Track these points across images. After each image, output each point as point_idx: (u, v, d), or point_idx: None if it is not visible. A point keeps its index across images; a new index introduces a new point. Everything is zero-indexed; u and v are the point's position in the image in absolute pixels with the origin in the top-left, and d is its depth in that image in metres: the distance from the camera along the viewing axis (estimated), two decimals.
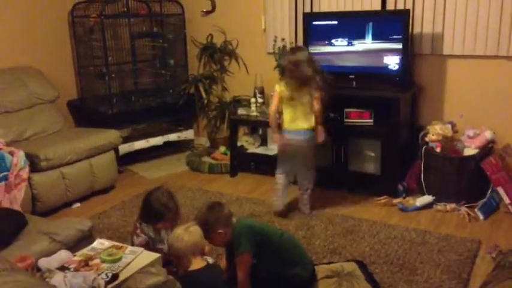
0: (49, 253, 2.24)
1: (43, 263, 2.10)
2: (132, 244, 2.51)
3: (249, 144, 4.57)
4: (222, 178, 4.39)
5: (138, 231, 2.61)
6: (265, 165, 4.44)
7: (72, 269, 2.05)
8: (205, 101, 4.86)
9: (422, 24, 3.82)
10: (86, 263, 2.11)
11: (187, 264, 2.29)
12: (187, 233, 2.30)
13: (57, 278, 1.92)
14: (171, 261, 2.55)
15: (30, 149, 3.57)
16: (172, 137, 4.89)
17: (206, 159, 4.72)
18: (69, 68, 4.75)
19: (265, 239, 2.48)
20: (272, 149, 4.39)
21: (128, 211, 3.68)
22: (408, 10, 3.70)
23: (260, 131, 4.65)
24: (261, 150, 4.49)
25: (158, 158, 4.89)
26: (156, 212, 2.58)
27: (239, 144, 4.58)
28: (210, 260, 2.69)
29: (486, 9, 3.59)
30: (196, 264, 2.29)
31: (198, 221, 2.46)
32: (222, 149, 4.80)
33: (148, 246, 2.51)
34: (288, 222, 3.42)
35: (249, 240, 2.40)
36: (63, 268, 2.07)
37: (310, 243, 3.11)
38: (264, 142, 4.58)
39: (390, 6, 3.89)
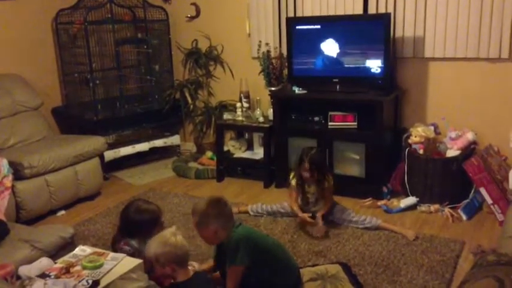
0: (30, 261, 2.22)
1: (23, 270, 2.08)
2: None
3: (235, 149, 4.58)
4: (208, 183, 4.38)
5: (122, 243, 2.53)
6: (251, 170, 4.45)
7: (52, 276, 2.04)
8: (191, 107, 4.86)
9: (404, 27, 3.86)
10: (67, 270, 2.10)
11: (174, 274, 2.23)
12: (175, 241, 2.21)
13: (38, 286, 1.91)
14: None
15: (14, 157, 3.54)
16: (158, 142, 4.87)
17: (193, 164, 4.72)
18: (54, 75, 4.73)
19: (261, 248, 2.44)
20: (258, 153, 4.41)
21: (113, 218, 3.65)
22: (389, 14, 3.74)
23: (246, 136, 4.66)
24: (247, 155, 4.50)
25: (144, 164, 4.88)
26: (148, 221, 2.55)
27: (225, 149, 4.59)
28: (196, 265, 2.68)
29: (466, 12, 3.64)
30: (184, 274, 2.25)
31: (196, 211, 2.39)
32: (209, 154, 4.80)
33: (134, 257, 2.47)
34: (274, 227, 3.42)
35: (247, 253, 2.33)
36: (43, 275, 2.05)
37: (295, 247, 3.12)
38: (250, 147, 4.59)
39: (372, 10, 3.93)
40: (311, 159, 3.25)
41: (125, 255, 2.26)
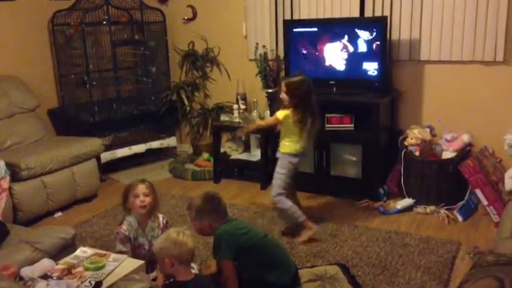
0: (32, 262, 2.21)
1: (26, 271, 2.08)
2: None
3: (232, 150, 4.59)
4: (205, 185, 4.39)
5: (119, 227, 2.61)
6: (248, 171, 4.47)
7: (55, 278, 2.04)
8: (188, 108, 4.87)
9: (400, 30, 3.90)
10: (69, 271, 2.10)
11: (174, 272, 2.24)
12: (176, 238, 2.22)
13: (40, 287, 1.91)
14: (154, 261, 2.52)
15: (11, 159, 3.53)
16: (155, 144, 4.88)
17: (189, 166, 4.72)
18: (50, 76, 4.71)
19: (247, 242, 2.51)
20: (255, 155, 4.42)
21: (110, 219, 3.65)
22: (386, 17, 3.78)
23: (243, 137, 4.67)
24: (244, 156, 4.51)
25: (141, 166, 4.87)
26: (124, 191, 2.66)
27: (222, 150, 4.59)
28: (195, 267, 2.69)
29: (461, 16, 3.68)
30: (185, 274, 2.25)
31: (191, 206, 2.53)
32: (205, 155, 4.81)
33: (130, 241, 2.55)
34: (273, 228, 3.44)
35: (228, 247, 2.43)
36: (46, 276, 2.05)
37: (294, 248, 3.14)
38: (247, 148, 4.60)
39: (368, 13, 3.97)
40: (288, 83, 3.06)
41: (126, 256, 2.27)
